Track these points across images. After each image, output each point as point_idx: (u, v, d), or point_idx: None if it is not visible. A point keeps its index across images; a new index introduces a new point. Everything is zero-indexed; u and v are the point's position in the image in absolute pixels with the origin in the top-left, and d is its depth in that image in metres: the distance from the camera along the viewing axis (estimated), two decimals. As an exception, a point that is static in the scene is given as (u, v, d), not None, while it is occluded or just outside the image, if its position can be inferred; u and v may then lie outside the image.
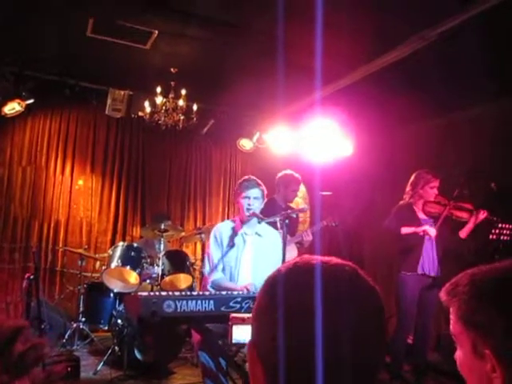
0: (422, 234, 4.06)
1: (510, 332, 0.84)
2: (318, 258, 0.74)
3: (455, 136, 5.06)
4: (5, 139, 6.00)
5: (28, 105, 5.30)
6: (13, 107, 5.15)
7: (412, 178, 4.27)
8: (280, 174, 4.81)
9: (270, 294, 0.72)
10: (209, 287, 3.23)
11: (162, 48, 4.69)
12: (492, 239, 3.92)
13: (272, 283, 0.74)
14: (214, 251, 3.33)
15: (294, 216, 4.51)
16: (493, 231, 3.92)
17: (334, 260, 0.73)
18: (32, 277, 3.42)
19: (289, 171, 4.82)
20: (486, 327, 0.86)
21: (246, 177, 3.45)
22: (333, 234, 4.62)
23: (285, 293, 0.69)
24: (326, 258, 0.74)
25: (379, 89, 4.69)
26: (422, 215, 4.22)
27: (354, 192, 5.88)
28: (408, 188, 4.27)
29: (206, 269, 3.36)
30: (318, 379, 0.63)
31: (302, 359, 0.64)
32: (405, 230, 4.09)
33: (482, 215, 3.99)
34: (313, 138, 5.39)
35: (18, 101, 5.15)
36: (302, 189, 6.59)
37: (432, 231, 4.02)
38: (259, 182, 3.37)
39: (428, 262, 4.15)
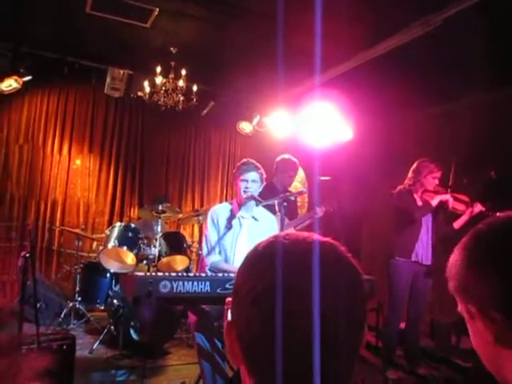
0: (443, 200, 4.06)
1: (496, 289, 0.76)
2: (293, 235, 0.71)
3: (454, 123, 5.04)
4: (2, 117, 5.94)
5: (25, 82, 5.23)
6: (10, 84, 5.09)
7: (415, 165, 4.22)
8: (278, 159, 4.76)
9: (247, 273, 0.70)
10: (207, 269, 3.23)
11: (162, 27, 4.62)
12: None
13: (249, 261, 0.71)
14: (211, 233, 3.32)
15: (293, 199, 4.49)
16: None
17: (311, 237, 0.70)
18: (28, 255, 3.40)
19: (287, 156, 4.76)
20: (471, 287, 0.81)
21: (245, 160, 3.40)
22: (330, 219, 4.60)
23: (264, 271, 0.66)
24: (303, 235, 0.70)
25: (380, 74, 4.64)
26: (420, 203, 4.22)
27: (352, 177, 5.86)
28: (410, 175, 4.24)
29: (204, 250, 3.35)
30: (315, 358, 0.61)
31: (284, 340, 0.62)
32: (433, 202, 4.09)
33: (478, 209, 4.00)
34: (312, 123, 5.35)
35: (16, 77, 5.09)
36: (301, 173, 6.57)
37: (451, 202, 4.05)
38: (258, 165, 3.33)
39: (422, 249, 4.16)
